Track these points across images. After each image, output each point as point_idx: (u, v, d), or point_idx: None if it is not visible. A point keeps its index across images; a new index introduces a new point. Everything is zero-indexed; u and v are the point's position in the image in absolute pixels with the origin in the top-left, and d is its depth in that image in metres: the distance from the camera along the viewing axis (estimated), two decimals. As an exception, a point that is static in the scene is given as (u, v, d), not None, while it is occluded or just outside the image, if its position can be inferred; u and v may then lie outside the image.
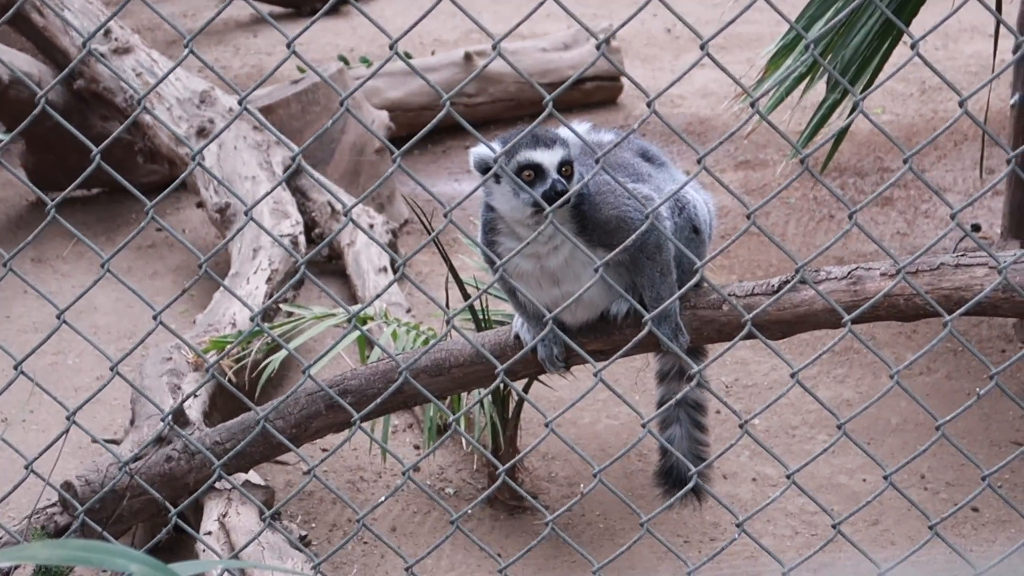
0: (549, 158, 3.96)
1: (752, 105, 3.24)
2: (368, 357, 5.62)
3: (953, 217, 3.33)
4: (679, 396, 4.02)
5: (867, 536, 5.42)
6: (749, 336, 3.51)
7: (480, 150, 4.05)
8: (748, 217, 3.23)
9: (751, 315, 3.47)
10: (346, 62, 9.93)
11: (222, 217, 7.48)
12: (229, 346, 4.79)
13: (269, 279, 6.70)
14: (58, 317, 3.21)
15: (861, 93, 4.50)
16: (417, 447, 6.18)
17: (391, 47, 2.96)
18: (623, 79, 10.29)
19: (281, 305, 6.31)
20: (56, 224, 3.25)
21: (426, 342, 5.51)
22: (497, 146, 3.77)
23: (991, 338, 6.80)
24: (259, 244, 6.95)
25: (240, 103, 3.02)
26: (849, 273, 4.25)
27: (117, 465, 4.86)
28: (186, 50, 2.98)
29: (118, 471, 4.83)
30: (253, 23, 12.64)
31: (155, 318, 3.16)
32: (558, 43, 10.34)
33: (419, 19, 2.91)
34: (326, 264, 7.81)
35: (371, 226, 7.69)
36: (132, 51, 8.25)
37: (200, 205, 7.87)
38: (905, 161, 3.24)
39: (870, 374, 6.60)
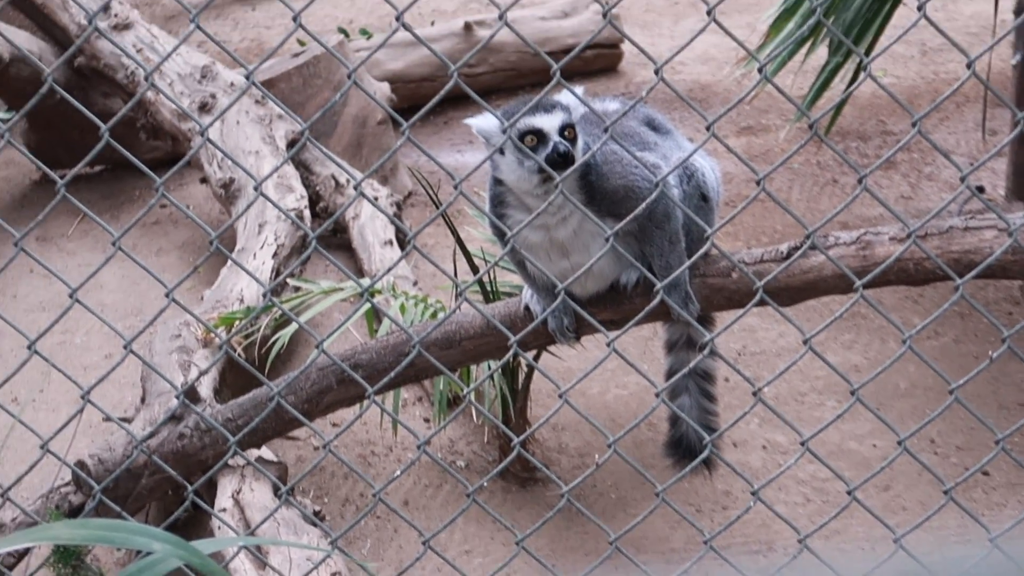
0: (549, 122, 3.94)
1: (760, 70, 3.23)
2: (376, 331, 5.62)
3: (963, 180, 3.32)
4: (692, 365, 4.01)
5: (879, 502, 5.43)
6: (760, 303, 3.51)
7: (481, 121, 4.04)
8: (757, 183, 3.21)
9: (762, 282, 3.47)
10: (346, 34, 9.88)
11: (226, 192, 7.46)
12: (240, 322, 4.79)
13: (275, 254, 6.70)
14: (71, 296, 3.20)
15: (866, 56, 4.49)
16: (427, 420, 6.18)
17: (397, 19, 2.96)
18: (623, 46, 10.26)
19: (288, 280, 6.31)
20: (61, 202, 3.24)
21: (434, 315, 5.51)
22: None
23: (998, 300, 6.80)
24: (264, 219, 6.94)
25: (247, 78, 3.01)
26: (858, 238, 4.24)
27: (133, 444, 4.87)
28: (192, 25, 2.96)
29: (133, 450, 4.84)
30: (251, -4, 12.62)
31: (167, 295, 3.15)
32: (557, 11, 10.29)
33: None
34: (331, 238, 7.80)
35: (376, 199, 7.68)
36: (132, 27, 8.22)
37: (204, 181, 7.85)
38: (914, 124, 3.22)
39: (877, 339, 6.60)
